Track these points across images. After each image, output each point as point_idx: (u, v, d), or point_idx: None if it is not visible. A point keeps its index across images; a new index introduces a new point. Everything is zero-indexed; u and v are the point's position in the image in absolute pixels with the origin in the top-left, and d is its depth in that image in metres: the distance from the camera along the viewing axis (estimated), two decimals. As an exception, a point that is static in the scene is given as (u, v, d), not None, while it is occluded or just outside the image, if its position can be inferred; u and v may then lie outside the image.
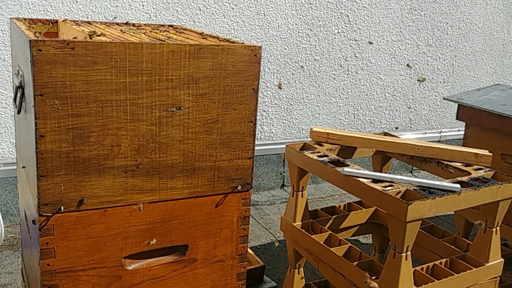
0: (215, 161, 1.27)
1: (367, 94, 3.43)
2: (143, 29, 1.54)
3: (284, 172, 3.23)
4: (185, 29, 1.62)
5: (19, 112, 1.24)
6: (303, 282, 1.95)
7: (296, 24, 3.11)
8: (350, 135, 1.95)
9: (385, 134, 2.11)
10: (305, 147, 1.98)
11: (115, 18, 2.63)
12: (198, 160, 1.25)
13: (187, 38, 1.39)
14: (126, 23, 1.63)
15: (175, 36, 1.38)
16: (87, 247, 1.16)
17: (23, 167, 1.36)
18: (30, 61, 1.04)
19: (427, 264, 1.63)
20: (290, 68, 3.15)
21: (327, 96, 3.30)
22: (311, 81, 3.23)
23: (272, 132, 3.17)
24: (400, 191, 1.42)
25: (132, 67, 1.12)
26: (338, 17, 3.22)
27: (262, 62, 3.04)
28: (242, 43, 1.25)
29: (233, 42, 1.29)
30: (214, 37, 1.41)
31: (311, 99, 3.26)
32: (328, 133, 1.99)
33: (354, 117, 3.43)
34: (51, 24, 1.55)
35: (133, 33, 1.38)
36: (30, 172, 1.21)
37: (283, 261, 2.45)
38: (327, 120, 3.34)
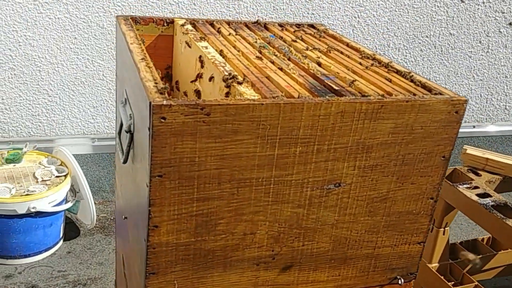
0: (374, 247, 0.94)
1: (506, 76, 2.89)
2: (282, 38, 1.18)
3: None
4: (333, 36, 1.24)
5: (125, 161, 0.95)
6: None
7: (433, -9, 2.59)
8: (522, 171, 1.54)
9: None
10: (455, 175, 1.59)
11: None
12: (353, 247, 0.92)
13: (345, 61, 1.02)
14: (256, 22, 1.27)
15: (327, 62, 1.01)
16: None
17: (125, 217, 1.09)
18: (149, 130, 0.73)
19: None
20: (419, 43, 2.67)
21: (458, 76, 2.81)
22: (442, 59, 2.74)
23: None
24: None
25: (285, 135, 0.78)
26: (486, -16, 2.65)
27: (387, 35, 2.59)
28: (440, 94, 0.87)
29: (426, 87, 0.91)
30: (382, 64, 1.03)
31: (439, 80, 2.78)
32: (487, 159, 1.58)
33: (486, 102, 2.92)
34: (165, 24, 1.22)
35: (275, 55, 1.03)
36: (132, 264, 0.94)
37: None
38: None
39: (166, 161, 0.74)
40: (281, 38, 1.18)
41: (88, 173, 2.41)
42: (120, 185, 1.23)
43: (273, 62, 0.99)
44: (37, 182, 2.05)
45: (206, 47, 1.02)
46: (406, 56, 2.68)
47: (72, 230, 2.27)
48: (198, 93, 1.00)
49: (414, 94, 0.87)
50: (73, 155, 2.20)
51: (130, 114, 0.94)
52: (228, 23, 1.26)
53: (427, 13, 2.63)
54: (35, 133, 2.32)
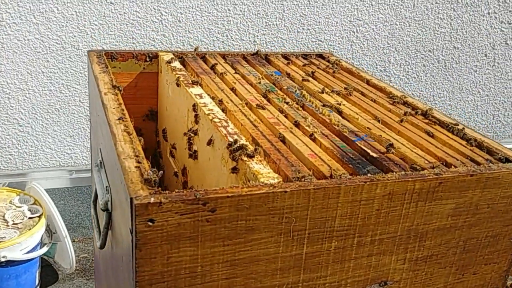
0: None
1: (512, 91, 2.72)
2: (289, 75, 0.98)
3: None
4: (349, 71, 1.04)
5: (102, 247, 0.74)
6: None
7: (436, 3, 2.42)
8: None
9: None
10: None
11: (213, -4, 2.06)
12: None
13: (371, 108, 0.82)
14: (256, 54, 1.07)
15: (351, 111, 0.81)
16: None
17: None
18: (132, 235, 0.52)
19: None
20: (422, 58, 2.49)
21: (463, 92, 2.63)
22: (446, 74, 2.57)
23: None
24: None
25: (316, 228, 0.58)
26: (491, -6, 2.49)
27: (388, 51, 2.41)
28: (508, 160, 0.67)
29: (483, 147, 0.71)
30: (418, 111, 0.83)
31: (443, 96, 2.61)
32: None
33: (493, 119, 2.75)
34: (148, 59, 1.02)
35: (285, 102, 0.82)
36: None
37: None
38: (460, 122, 2.69)
39: (157, 276, 0.53)
40: (288, 75, 0.98)
41: (66, 208, 2.18)
42: (98, 272, 1.02)
43: (285, 114, 0.78)
44: (7, 225, 1.81)
45: (201, 95, 0.81)
46: (408, 72, 2.50)
47: (49, 275, 2.04)
48: (193, 155, 0.80)
49: (475, 161, 0.68)
50: (49, 189, 1.97)
51: (106, 187, 0.73)
52: (223, 56, 1.06)
53: (430, 26, 2.45)
54: (5, 168, 2.09)
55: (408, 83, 2.51)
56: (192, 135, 0.79)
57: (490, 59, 2.61)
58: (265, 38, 2.21)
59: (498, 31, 2.57)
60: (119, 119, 0.69)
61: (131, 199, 0.51)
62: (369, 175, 0.60)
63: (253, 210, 0.54)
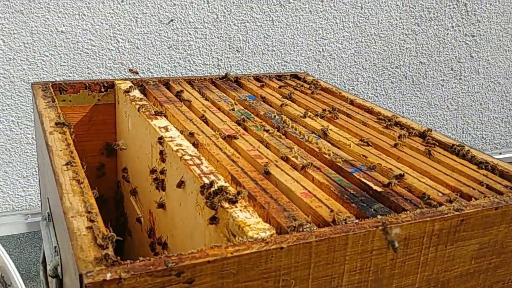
0: None
1: (481, 104, 2.70)
2: (264, 99, 0.87)
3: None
4: (329, 91, 0.95)
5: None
6: None
7: (400, 19, 2.38)
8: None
9: None
10: None
11: (171, 20, 1.95)
12: None
13: (362, 131, 0.72)
14: (225, 77, 0.96)
15: (340, 137, 0.71)
16: None
17: None
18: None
19: None
20: (389, 74, 2.44)
21: (432, 108, 2.59)
22: (414, 90, 2.52)
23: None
24: None
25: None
26: (454, 7, 2.47)
27: (355, 69, 2.35)
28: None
29: (495, 170, 0.62)
30: (414, 133, 0.73)
31: (413, 113, 2.56)
32: None
33: (463, 132, 2.72)
34: (103, 89, 0.89)
35: (265, 130, 0.71)
36: None
37: None
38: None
39: None
40: (263, 99, 0.88)
41: (22, 256, 1.99)
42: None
43: (266, 144, 0.67)
44: (-47, 281, 1.63)
45: (166, 128, 0.69)
46: (376, 89, 2.44)
47: (4, 331, 1.84)
48: (159, 203, 0.67)
49: (494, 189, 0.58)
50: (2, 237, 1.79)
51: (55, 247, 0.60)
52: (189, 81, 0.94)
53: (395, 42, 2.41)
54: (-49, 216, 1.90)
55: (377, 101, 2.45)
56: (159, 176, 0.67)
57: (456, 72, 2.59)
58: (230, 62, 2.11)
59: (463, 44, 2.55)
60: (66, 164, 0.56)
61: (80, 276, 0.38)
62: (378, 216, 0.49)
63: (242, 276, 0.42)
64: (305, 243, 0.44)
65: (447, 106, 2.63)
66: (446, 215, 0.50)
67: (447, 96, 2.60)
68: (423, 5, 2.39)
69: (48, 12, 1.78)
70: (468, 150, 0.68)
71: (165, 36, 1.99)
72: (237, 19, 2.06)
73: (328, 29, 2.25)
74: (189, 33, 2.03)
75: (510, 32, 2.64)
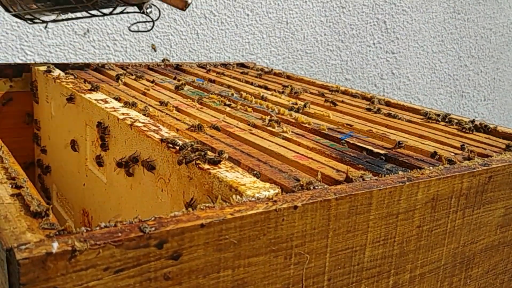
0: None
1: (402, 119, 2.75)
2: (214, 82, 0.76)
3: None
4: (285, 75, 0.86)
5: None
6: None
7: (325, 34, 2.38)
8: None
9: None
10: None
11: (87, 32, 1.79)
12: None
13: (349, 110, 0.63)
14: (163, 63, 0.84)
15: (314, 110, 0.61)
16: None
17: None
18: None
19: None
20: (316, 91, 2.42)
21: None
22: (341, 107, 2.52)
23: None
24: None
25: (338, 268, 0.35)
26: (374, 24, 2.51)
27: (281, 85, 2.30)
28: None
29: (507, 136, 0.54)
30: (412, 109, 0.66)
31: (340, 129, 2.55)
32: None
33: (388, 149, 2.75)
34: (17, 75, 0.73)
35: (227, 105, 0.60)
36: None
37: None
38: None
39: None
40: (213, 81, 0.76)
41: None
42: None
43: (233, 117, 0.56)
44: None
45: (105, 100, 0.56)
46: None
47: None
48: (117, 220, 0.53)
49: (504, 148, 0.50)
50: None
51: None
52: (122, 66, 0.81)
53: (321, 58, 2.40)
54: None
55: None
56: (98, 162, 0.53)
57: (379, 89, 2.62)
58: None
59: (384, 61, 2.60)
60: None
61: (8, 251, 0.24)
62: (398, 171, 0.39)
63: (245, 247, 0.30)
64: (323, 201, 0.33)
65: (372, 123, 2.65)
66: (474, 170, 0.41)
67: (372, 112, 2.63)
68: (345, 21, 2.41)
69: None
70: (445, 116, 0.61)
71: (80, 49, 1.82)
72: (160, 32, 1.94)
73: (255, 43, 2.19)
74: (107, 46, 1.88)
75: (426, 49, 2.73)
